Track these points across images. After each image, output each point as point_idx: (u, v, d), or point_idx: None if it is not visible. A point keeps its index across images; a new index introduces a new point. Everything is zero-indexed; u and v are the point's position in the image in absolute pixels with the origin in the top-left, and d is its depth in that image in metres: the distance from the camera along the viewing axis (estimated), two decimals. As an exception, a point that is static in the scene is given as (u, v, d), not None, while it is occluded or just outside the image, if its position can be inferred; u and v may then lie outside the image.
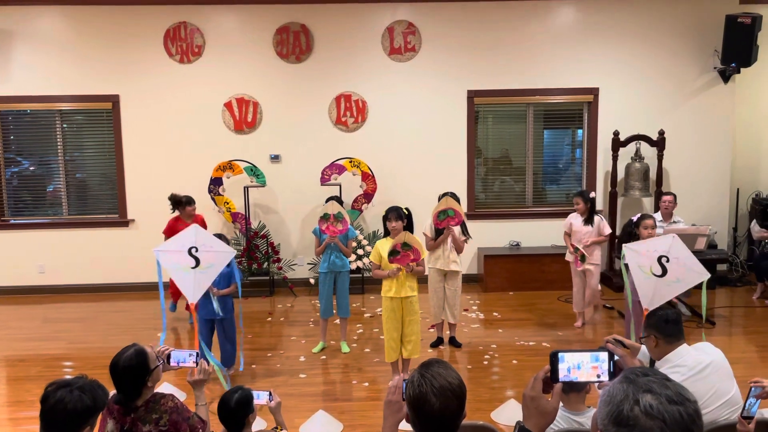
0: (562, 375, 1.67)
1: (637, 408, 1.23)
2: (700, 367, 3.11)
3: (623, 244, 4.97)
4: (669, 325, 3.24)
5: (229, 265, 5.26)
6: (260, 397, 3.26)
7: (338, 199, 6.45)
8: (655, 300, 4.62)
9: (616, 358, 1.68)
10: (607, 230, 6.62)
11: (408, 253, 4.97)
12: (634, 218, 5.66)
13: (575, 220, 6.67)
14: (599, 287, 6.84)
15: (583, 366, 1.66)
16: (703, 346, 3.26)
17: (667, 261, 4.57)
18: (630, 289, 5.20)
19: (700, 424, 1.24)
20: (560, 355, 1.66)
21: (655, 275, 4.61)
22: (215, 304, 5.24)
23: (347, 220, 5.86)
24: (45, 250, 8.39)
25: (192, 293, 4.98)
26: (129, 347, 2.82)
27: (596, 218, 6.62)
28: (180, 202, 6.85)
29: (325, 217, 5.81)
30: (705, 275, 4.55)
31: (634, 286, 5.09)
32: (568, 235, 6.72)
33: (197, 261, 4.98)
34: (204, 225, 7.07)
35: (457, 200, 5.88)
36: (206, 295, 5.18)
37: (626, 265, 4.96)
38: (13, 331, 6.90)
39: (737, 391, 3.13)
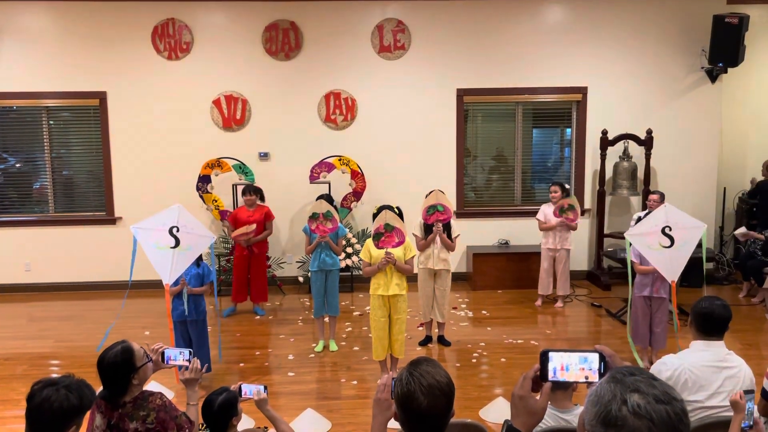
0: (550, 375, 1.66)
1: (624, 408, 1.23)
2: (724, 365, 3.12)
3: (625, 234, 5.19)
4: (702, 320, 3.20)
5: (198, 265, 5.22)
6: (250, 392, 3.22)
7: (328, 198, 6.41)
8: (675, 268, 4.99)
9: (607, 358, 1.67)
10: (578, 219, 7.25)
11: (392, 235, 4.97)
12: (641, 214, 5.92)
13: (549, 209, 7.30)
14: (568, 270, 7.44)
15: (571, 368, 1.65)
16: (738, 357, 3.24)
17: (671, 230, 4.86)
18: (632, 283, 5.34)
19: (687, 423, 1.24)
20: (550, 354, 1.65)
21: (665, 247, 4.88)
22: (186, 304, 5.13)
23: (336, 218, 5.84)
24: (31, 248, 8.32)
25: (168, 274, 4.91)
26: (117, 344, 2.81)
27: None
28: (243, 192, 7.26)
29: (314, 217, 5.78)
30: (702, 226, 5.00)
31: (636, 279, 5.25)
32: (543, 222, 7.34)
33: (177, 241, 4.92)
34: (270, 217, 7.29)
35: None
36: (179, 296, 5.14)
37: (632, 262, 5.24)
38: (-1, 330, 6.85)
39: (750, 406, 3.15)
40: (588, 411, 1.30)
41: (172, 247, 4.92)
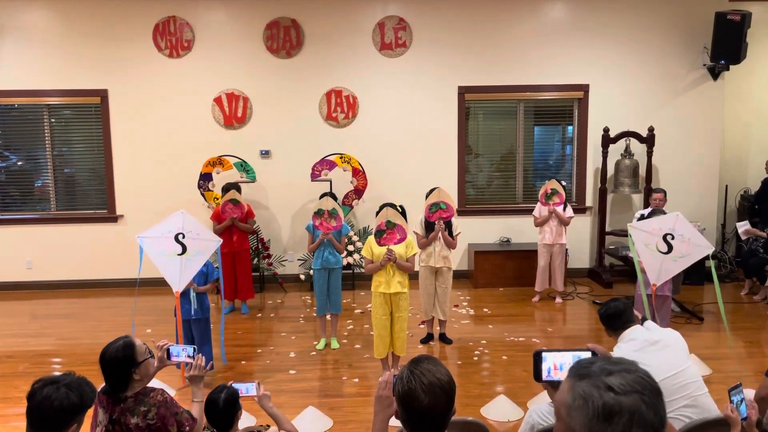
0: (544, 375, 1.67)
1: (612, 393, 1.22)
2: (652, 341, 3.34)
3: (628, 224, 5.23)
4: (610, 320, 3.53)
5: (205, 265, 5.23)
6: (249, 391, 3.24)
7: (332, 195, 6.40)
8: (661, 275, 4.98)
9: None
10: (570, 213, 7.37)
11: (393, 232, 4.98)
12: (645, 212, 6.15)
13: (544, 207, 7.39)
14: (563, 265, 7.56)
15: (565, 367, 1.66)
16: (652, 325, 3.51)
17: (673, 238, 4.86)
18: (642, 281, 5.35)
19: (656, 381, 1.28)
20: (543, 354, 1.66)
21: (661, 252, 4.85)
22: (194, 303, 5.14)
23: (341, 216, 5.84)
24: (33, 246, 8.33)
25: (178, 281, 4.93)
26: (119, 339, 2.82)
27: (568, 205, 7.41)
28: (223, 190, 7.19)
29: (319, 213, 5.78)
30: (710, 248, 4.90)
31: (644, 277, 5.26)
32: (537, 218, 7.46)
33: (184, 248, 4.93)
34: (250, 215, 7.20)
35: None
36: (184, 295, 5.13)
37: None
38: (1, 328, 6.84)
39: (692, 367, 3.35)
40: (577, 418, 1.25)
41: (179, 254, 4.94)
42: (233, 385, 3.20)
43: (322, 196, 6.15)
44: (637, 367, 1.27)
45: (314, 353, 5.93)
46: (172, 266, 4.94)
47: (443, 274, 6.00)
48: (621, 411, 1.20)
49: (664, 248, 4.89)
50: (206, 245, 5.06)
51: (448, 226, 5.89)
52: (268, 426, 3.43)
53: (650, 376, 1.27)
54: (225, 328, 6.65)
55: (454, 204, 5.85)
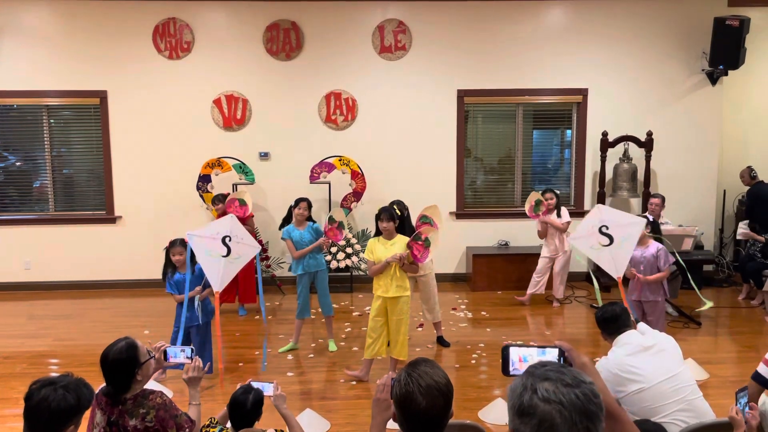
0: (512, 369, 1.73)
1: (535, 396, 1.29)
2: (646, 345, 3.36)
3: (569, 239, 5.41)
4: (607, 324, 3.56)
5: (194, 272, 5.23)
6: (266, 390, 3.27)
7: (308, 202, 6.26)
8: (619, 266, 5.13)
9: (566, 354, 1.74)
10: (566, 218, 7.35)
11: (421, 248, 5.03)
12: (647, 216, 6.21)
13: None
14: (566, 272, 7.57)
15: (529, 359, 1.72)
16: (646, 329, 3.53)
17: (607, 228, 5.08)
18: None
19: (598, 403, 1.30)
20: (510, 349, 1.73)
21: (605, 246, 5.01)
22: (199, 309, 5.17)
23: (345, 230, 6.04)
24: (31, 247, 8.32)
25: (219, 281, 5.12)
26: (120, 340, 2.82)
27: (562, 209, 7.42)
28: (216, 201, 7.32)
29: (331, 221, 5.91)
30: (641, 221, 5.15)
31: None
32: (539, 231, 7.45)
33: (228, 250, 5.12)
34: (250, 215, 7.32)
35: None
36: (190, 302, 5.15)
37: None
38: (-2, 328, 6.84)
39: (685, 372, 3.37)
40: (509, 402, 1.36)
41: (223, 256, 5.12)
42: (252, 383, 3.22)
43: (297, 202, 6.06)
44: (580, 384, 1.30)
45: (312, 355, 5.93)
46: (215, 266, 5.11)
47: (421, 281, 6.04)
48: (533, 414, 1.28)
49: (606, 241, 5.07)
50: (246, 250, 5.25)
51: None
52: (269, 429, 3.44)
53: (592, 398, 1.29)
54: (222, 330, 6.64)
55: (440, 224, 5.76)
